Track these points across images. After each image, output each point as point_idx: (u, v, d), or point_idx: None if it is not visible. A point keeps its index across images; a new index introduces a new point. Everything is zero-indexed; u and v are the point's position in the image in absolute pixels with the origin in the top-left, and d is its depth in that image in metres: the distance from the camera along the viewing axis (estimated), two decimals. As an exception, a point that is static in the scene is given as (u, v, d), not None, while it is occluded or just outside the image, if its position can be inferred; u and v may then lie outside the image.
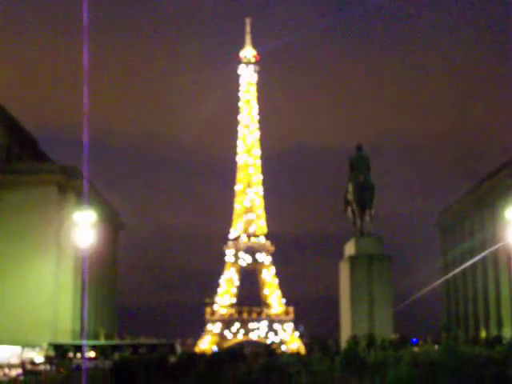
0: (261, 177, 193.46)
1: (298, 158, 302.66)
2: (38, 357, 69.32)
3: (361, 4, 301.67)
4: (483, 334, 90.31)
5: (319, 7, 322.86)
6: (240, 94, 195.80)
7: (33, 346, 74.69)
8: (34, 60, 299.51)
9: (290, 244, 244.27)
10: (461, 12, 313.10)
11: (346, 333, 44.77)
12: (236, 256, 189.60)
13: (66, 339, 78.94)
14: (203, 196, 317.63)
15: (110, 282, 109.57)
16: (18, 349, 74.01)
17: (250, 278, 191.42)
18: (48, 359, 65.88)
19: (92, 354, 67.37)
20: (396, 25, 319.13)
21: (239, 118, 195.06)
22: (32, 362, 66.77)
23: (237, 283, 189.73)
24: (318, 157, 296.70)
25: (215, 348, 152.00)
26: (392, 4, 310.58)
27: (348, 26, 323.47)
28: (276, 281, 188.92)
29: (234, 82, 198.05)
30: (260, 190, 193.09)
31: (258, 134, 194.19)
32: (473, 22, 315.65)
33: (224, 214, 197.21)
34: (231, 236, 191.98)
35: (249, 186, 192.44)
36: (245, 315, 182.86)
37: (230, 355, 52.49)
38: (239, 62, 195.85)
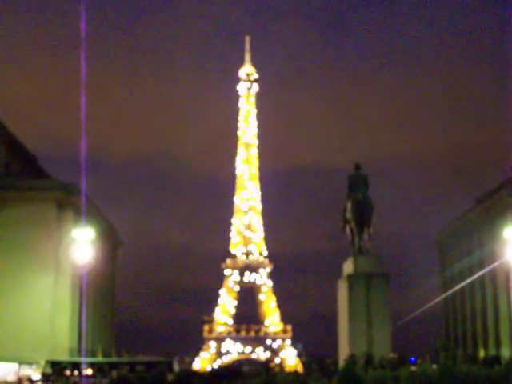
0: (259, 195, 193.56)
1: (297, 176, 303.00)
2: (35, 374, 69.04)
3: (361, 25, 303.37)
4: (481, 354, 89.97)
5: (319, 27, 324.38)
6: (239, 112, 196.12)
7: (30, 363, 74.36)
8: (32, 77, 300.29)
9: (288, 262, 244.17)
10: (462, 30, 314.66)
11: (343, 351, 44.57)
12: (234, 274, 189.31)
13: (63, 356, 78.45)
14: (202, 213, 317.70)
15: (108, 299, 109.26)
16: (14, 366, 73.68)
17: (248, 296, 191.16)
18: (45, 376, 65.58)
19: (89, 371, 67.05)
20: (397, 44, 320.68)
21: (238, 136, 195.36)
22: (29, 379, 66.51)
23: (235, 301, 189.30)
24: (316, 176, 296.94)
25: (213, 366, 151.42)
26: (394, 24, 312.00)
27: (347, 45, 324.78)
28: (274, 299, 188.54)
29: (233, 99, 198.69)
30: (258, 208, 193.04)
31: (256, 152, 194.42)
32: (474, 40, 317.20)
33: (222, 232, 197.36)
34: (229, 254, 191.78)
35: (247, 204, 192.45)
36: (243, 333, 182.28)
37: (228, 373, 52.38)
38: (238, 79, 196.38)
